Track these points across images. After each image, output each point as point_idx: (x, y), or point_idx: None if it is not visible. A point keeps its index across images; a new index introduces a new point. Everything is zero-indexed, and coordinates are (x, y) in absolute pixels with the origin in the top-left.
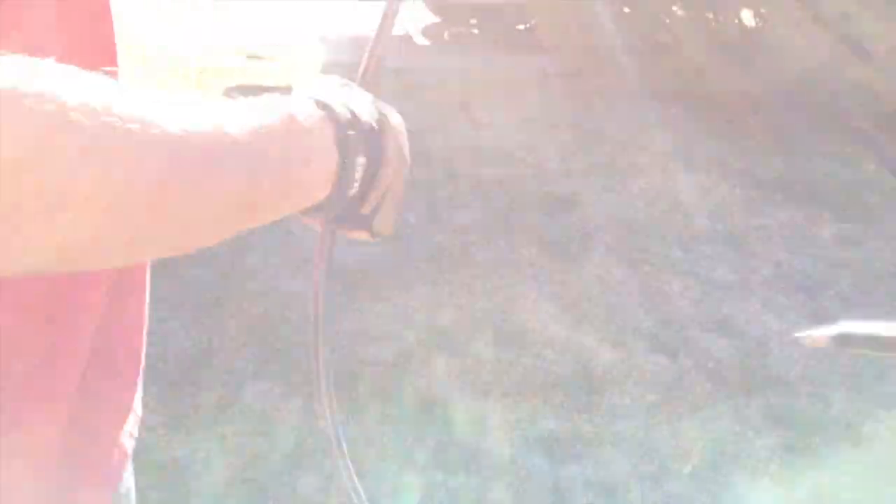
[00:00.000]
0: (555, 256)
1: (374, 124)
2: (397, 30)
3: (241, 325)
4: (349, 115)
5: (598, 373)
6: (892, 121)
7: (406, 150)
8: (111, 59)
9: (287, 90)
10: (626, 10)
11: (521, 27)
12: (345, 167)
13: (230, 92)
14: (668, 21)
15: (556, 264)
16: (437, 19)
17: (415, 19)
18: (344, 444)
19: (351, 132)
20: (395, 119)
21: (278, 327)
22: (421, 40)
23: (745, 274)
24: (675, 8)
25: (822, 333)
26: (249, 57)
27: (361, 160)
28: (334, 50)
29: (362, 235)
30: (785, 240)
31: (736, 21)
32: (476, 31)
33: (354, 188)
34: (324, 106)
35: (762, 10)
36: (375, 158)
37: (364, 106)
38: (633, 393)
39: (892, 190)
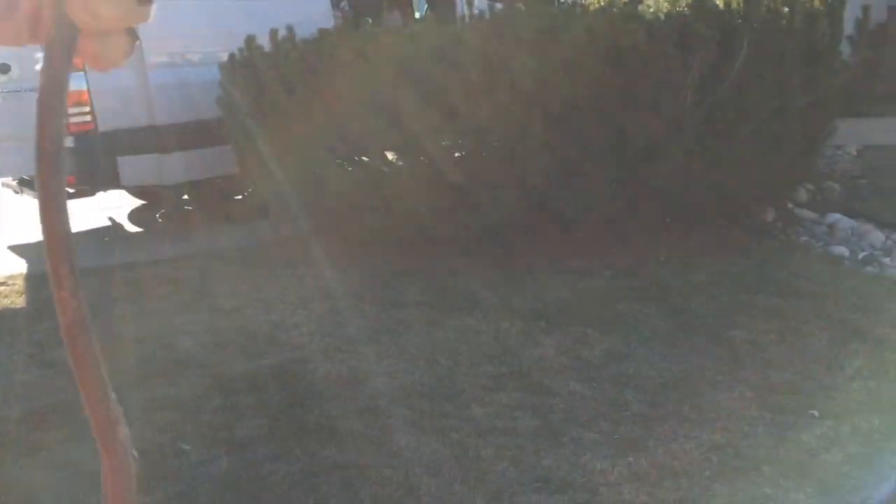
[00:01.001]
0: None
1: None
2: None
3: None
4: None
5: None
6: None
7: None
8: None
9: None
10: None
11: (238, 197)
12: None
13: None
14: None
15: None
16: (142, 202)
17: (119, 206)
18: None
19: None
20: None
21: None
22: (132, 227)
23: (544, 415)
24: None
25: None
26: None
27: None
28: None
29: None
30: (564, 367)
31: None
32: (189, 206)
33: None
34: None
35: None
36: None
37: None
38: None
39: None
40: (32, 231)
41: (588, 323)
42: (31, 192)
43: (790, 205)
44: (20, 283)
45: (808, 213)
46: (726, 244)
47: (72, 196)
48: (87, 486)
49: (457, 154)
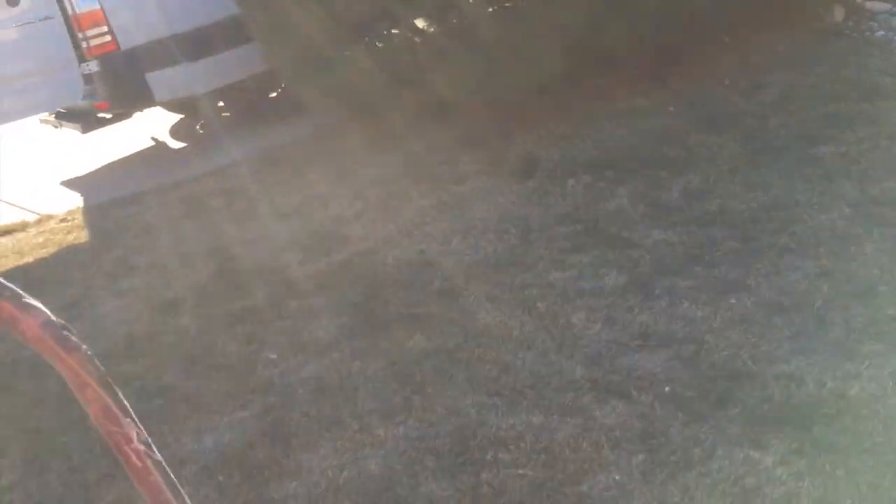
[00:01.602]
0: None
1: None
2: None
3: None
4: None
5: None
6: None
7: None
8: None
9: None
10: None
11: (272, 95)
12: None
13: None
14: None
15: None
16: (180, 116)
17: (158, 124)
18: None
19: None
20: None
21: None
22: (175, 143)
23: (631, 269)
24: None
25: None
26: None
27: None
28: None
29: None
30: (642, 215)
31: None
32: (226, 113)
33: None
34: None
35: None
36: None
37: None
38: None
39: None
40: (80, 164)
41: (659, 164)
42: (71, 124)
43: None
44: (79, 217)
45: (880, 5)
46: (795, 54)
47: (111, 121)
48: (180, 412)
49: (490, 9)
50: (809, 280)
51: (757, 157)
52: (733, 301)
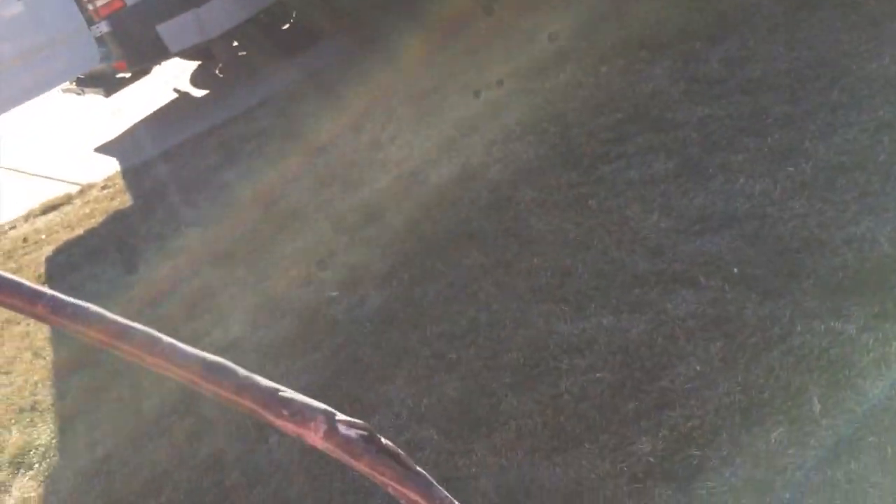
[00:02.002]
0: None
1: None
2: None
3: None
4: None
5: None
6: None
7: None
8: None
9: None
10: None
11: (285, 27)
12: None
13: None
14: None
15: None
16: (196, 63)
17: (176, 76)
18: None
19: None
20: None
21: None
22: (197, 91)
23: (680, 150)
24: None
25: None
26: None
27: None
28: None
29: None
30: (683, 92)
31: None
32: (243, 52)
33: None
34: None
35: None
36: None
37: None
38: None
39: None
40: (108, 129)
41: (692, 36)
42: (93, 89)
43: None
44: (119, 182)
45: None
46: None
47: (132, 80)
48: (252, 361)
49: None
50: (868, 134)
51: (795, 12)
52: (791, 169)
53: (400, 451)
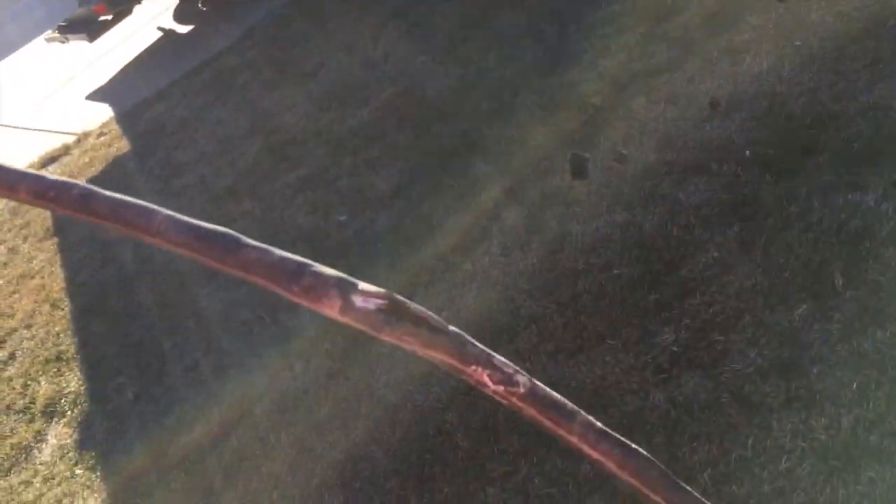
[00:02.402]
0: None
1: None
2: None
3: None
4: None
5: None
6: None
7: None
8: None
9: None
10: None
11: None
12: None
13: None
14: None
15: None
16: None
17: (159, 13)
18: None
19: None
20: None
21: None
22: (182, 27)
23: None
24: None
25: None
26: None
27: None
28: None
29: None
30: None
31: None
32: None
33: None
34: None
35: None
36: None
37: None
38: None
39: None
40: (96, 75)
41: None
42: (76, 35)
43: None
44: (115, 128)
45: None
46: None
47: (114, 22)
48: (268, 295)
49: None
50: None
51: None
52: (798, 43)
53: (428, 312)
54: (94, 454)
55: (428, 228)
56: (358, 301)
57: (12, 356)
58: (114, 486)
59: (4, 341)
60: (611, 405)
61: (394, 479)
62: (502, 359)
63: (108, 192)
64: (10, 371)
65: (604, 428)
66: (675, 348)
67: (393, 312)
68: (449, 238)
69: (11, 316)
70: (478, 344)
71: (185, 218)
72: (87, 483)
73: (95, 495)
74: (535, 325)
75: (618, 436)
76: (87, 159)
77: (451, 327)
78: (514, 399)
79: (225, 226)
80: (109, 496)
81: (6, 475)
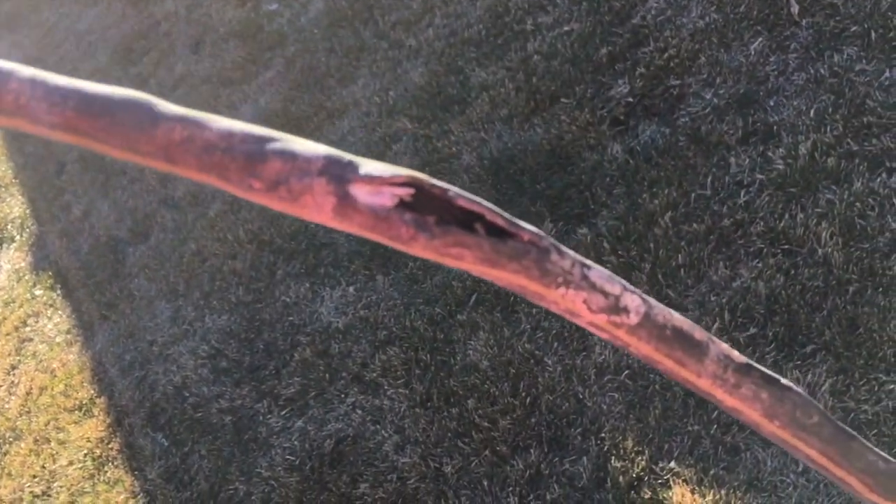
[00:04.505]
0: None
1: None
2: None
3: None
4: None
5: None
6: None
7: None
8: None
9: None
10: None
11: None
12: None
13: None
14: None
15: None
16: None
17: None
18: None
19: None
20: None
21: None
22: None
23: None
24: None
25: None
26: None
27: None
28: None
29: None
30: None
31: None
32: None
33: None
34: None
35: None
36: None
37: None
38: None
39: None
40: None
41: None
42: None
43: None
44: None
45: None
46: None
47: None
48: (205, 91)
49: None
50: None
51: None
52: None
53: (484, 204)
54: (50, 274)
55: (366, 7)
56: (362, 194)
57: None
58: (77, 303)
59: None
60: (569, 163)
61: None
62: (602, 271)
63: None
64: None
65: (748, 361)
66: (630, 99)
67: (423, 206)
68: (389, 15)
69: None
70: (567, 251)
71: (61, 79)
72: (49, 302)
73: (59, 312)
74: (486, 92)
75: (765, 370)
76: None
77: (525, 225)
78: (621, 333)
79: (148, 33)
80: (74, 311)
81: None
